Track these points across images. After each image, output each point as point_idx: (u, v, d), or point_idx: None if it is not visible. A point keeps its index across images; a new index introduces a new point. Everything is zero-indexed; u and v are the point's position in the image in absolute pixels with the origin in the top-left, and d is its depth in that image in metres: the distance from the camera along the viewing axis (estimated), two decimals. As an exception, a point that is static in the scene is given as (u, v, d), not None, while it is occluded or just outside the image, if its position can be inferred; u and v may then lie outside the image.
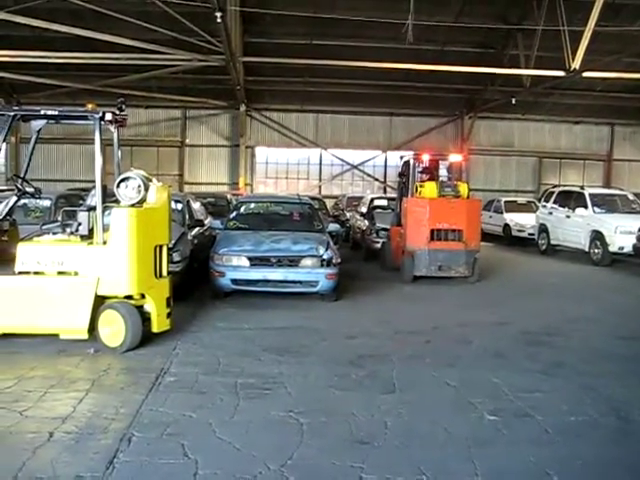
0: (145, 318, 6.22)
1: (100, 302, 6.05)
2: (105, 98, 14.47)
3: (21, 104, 19.75)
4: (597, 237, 14.11)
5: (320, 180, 25.77)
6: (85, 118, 6.54)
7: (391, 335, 7.22)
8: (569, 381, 5.56)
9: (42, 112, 6.43)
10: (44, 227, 7.15)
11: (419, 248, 10.81)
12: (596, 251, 14.13)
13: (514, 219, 18.84)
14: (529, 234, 17.75)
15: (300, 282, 8.79)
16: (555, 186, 19.91)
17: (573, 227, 15.04)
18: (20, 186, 6.68)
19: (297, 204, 11.10)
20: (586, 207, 14.73)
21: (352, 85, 22.24)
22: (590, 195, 15.04)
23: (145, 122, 24.30)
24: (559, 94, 23.03)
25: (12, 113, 6.51)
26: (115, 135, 6.71)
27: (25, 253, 6.15)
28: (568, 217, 15.33)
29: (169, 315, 6.52)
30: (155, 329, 6.31)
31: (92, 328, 6.03)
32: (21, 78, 19.32)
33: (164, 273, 6.52)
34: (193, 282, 9.30)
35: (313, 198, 15.31)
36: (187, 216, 10.00)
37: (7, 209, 6.77)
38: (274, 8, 16.81)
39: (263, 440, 4.09)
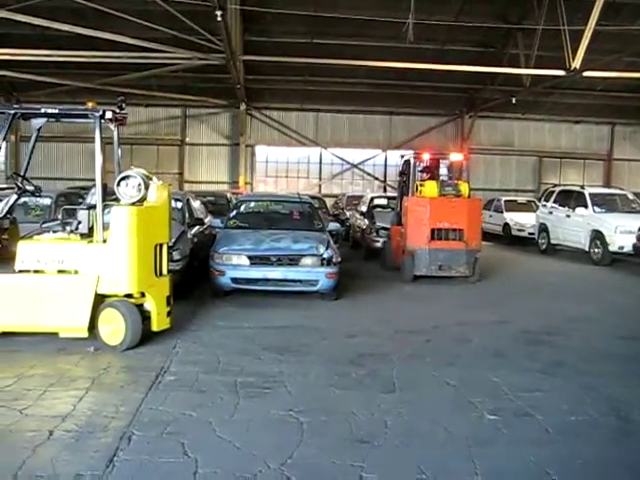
0: (145, 317, 6.22)
1: (100, 300, 6.05)
2: (105, 96, 14.45)
3: (21, 102, 19.86)
4: (597, 237, 14.09)
5: (320, 179, 25.78)
6: (85, 116, 6.53)
7: (391, 334, 7.22)
8: (569, 380, 5.56)
9: (42, 110, 6.45)
10: (44, 225, 7.15)
11: (419, 247, 10.79)
12: (596, 250, 14.12)
13: (514, 218, 18.82)
14: (529, 233, 17.73)
15: (300, 281, 8.78)
16: (555, 185, 19.97)
17: (573, 226, 15.03)
18: (20, 184, 6.68)
19: (297, 203, 11.08)
20: (586, 207, 14.72)
21: (352, 84, 22.23)
22: (590, 195, 15.02)
23: (145, 120, 24.32)
24: (559, 93, 23.02)
25: (12, 111, 6.53)
26: (115, 133, 6.71)
27: (25, 251, 6.15)
28: (568, 216, 15.31)
29: (169, 314, 6.52)
30: (155, 328, 6.31)
31: (92, 326, 6.03)
32: (21, 76, 19.33)
33: (164, 272, 6.52)
34: (193, 281, 9.30)
35: (313, 197, 15.34)
36: (187, 215, 10.00)
37: (7, 207, 6.77)
38: (274, 7, 16.83)
39: (263, 439, 4.09)
